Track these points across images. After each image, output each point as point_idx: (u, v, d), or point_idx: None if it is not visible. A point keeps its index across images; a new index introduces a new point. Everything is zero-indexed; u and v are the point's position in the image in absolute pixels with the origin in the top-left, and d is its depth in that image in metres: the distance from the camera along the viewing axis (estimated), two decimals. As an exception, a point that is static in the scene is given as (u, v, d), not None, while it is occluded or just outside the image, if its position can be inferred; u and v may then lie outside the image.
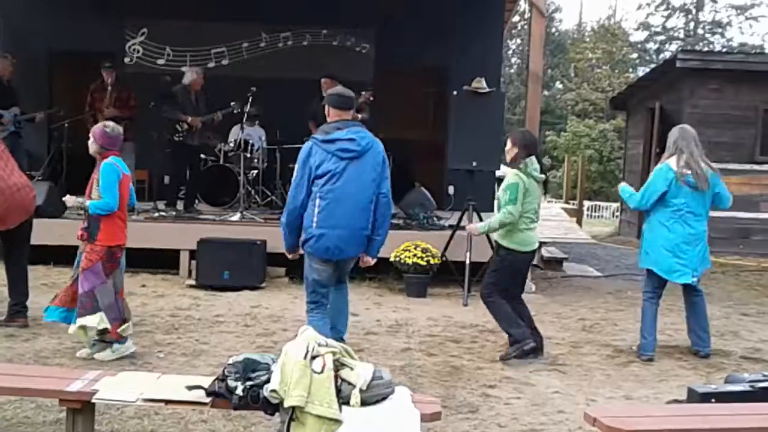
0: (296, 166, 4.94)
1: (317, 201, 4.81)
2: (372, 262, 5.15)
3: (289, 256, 5.24)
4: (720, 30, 46.30)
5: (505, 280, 5.62)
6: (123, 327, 5.24)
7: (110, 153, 5.34)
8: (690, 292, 5.93)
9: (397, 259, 7.88)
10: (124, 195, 5.35)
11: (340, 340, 5.36)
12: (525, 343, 5.42)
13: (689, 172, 5.64)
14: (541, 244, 9.58)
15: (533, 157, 5.51)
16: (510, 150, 5.57)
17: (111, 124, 5.48)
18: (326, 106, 5.03)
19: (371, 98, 9.25)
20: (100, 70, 9.54)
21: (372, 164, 4.88)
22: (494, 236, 5.92)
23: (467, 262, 7.72)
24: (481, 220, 8.02)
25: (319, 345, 3.27)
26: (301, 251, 5.08)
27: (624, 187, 6.15)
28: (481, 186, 9.70)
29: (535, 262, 8.58)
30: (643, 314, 5.89)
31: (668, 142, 5.87)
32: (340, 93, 5.08)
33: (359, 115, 8.94)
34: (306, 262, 5.04)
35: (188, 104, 9.38)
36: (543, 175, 5.59)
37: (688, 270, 5.71)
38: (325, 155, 4.82)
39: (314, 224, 4.82)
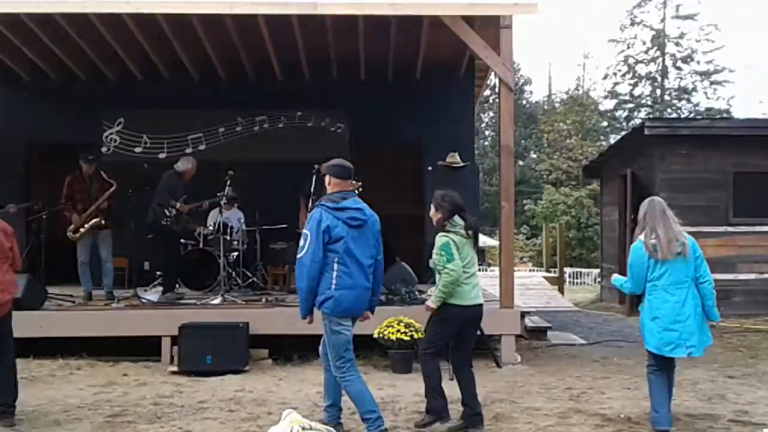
0: (306, 232, 5.19)
1: (335, 265, 5.13)
2: (371, 316, 5.53)
3: (306, 321, 5.36)
4: (686, 96, 47.49)
5: (440, 335, 5.59)
6: None
7: None
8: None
9: (381, 335, 7.84)
10: None
11: (338, 421, 5.38)
12: (440, 417, 5.54)
13: (655, 242, 5.55)
14: (524, 313, 9.60)
15: (456, 217, 5.59)
16: (434, 215, 5.68)
17: None
18: (327, 176, 5.40)
19: (360, 188, 9.35)
20: (79, 161, 9.54)
21: (372, 232, 5.32)
22: None
23: (451, 335, 7.69)
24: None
25: (303, 429, 3.24)
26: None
27: (616, 278, 6.08)
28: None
29: (518, 332, 8.63)
30: (650, 389, 5.68)
31: (639, 216, 5.86)
32: (341, 164, 5.44)
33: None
34: (326, 329, 5.24)
35: (178, 191, 9.46)
36: (471, 230, 5.61)
37: (681, 342, 5.48)
38: (335, 222, 5.16)
39: (333, 286, 5.13)
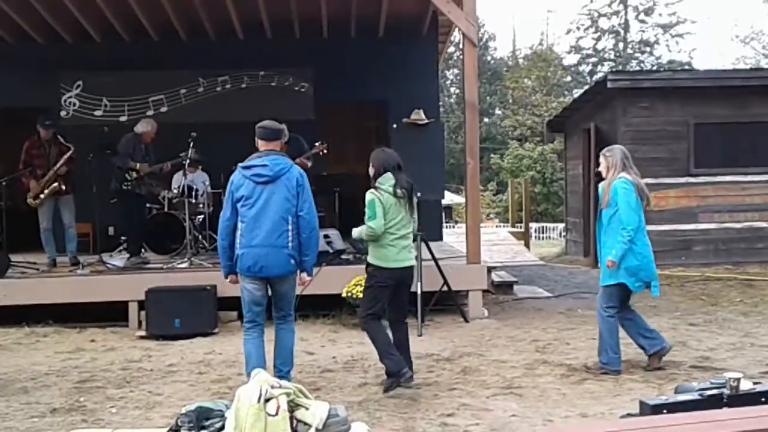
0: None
1: (239, 224, 5.26)
2: (308, 279, 5.44)
3: (228, 281, 5.53)
4: (648, 49, 47.75)
5: (374, 298, 5.57)
6: None
7: None
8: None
9: (349, 294, 7.88)
10: None
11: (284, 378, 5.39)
12: (401, 374, 5.37)
13: (643, 186, 5.93)
14: (491, 268, 9.70)
15: (388, 174, 5.56)
16: (370, 171, 5.68)
17: None
18: (255, 139, 5.47)
19: (325, 151, 9.30)
20: (37, 126, 9.34)
21: (287, 187, 5.24)
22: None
23: (418, 292, 7.74)
24: (430, 250, 8.12)
25: (272, 387, 3.25)
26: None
27: (618, 252, 5.88)
28: (428, 216, 9.78)
29: (485, 287, 8.74)
30: (610, 331, 5.97)
31: (613, 159, 5.97)
32: (265, 126, 5.51)
33: (308, 163, 9.05)
34: (240, 284, 5.37)
35: (138, 153, 9.33)
36: (401, 190, 5.53)
37: (655, 280, 6.01)
38: (243, 180, 5.28)
39: (238, 245, 5.26)
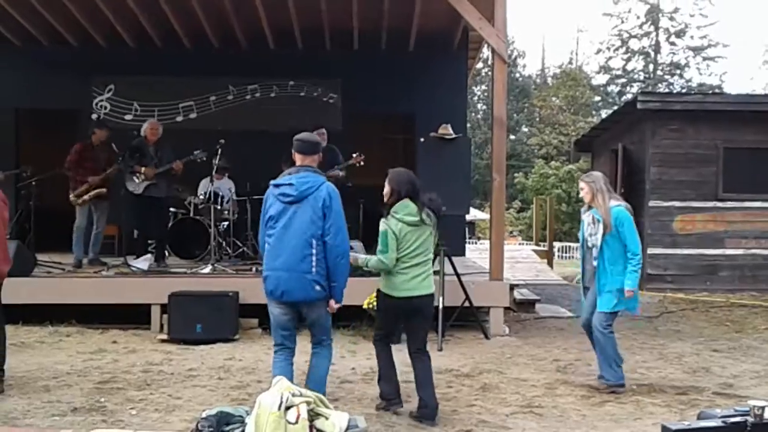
0: None
1: (266, 245, 4.94)
2: (335, 306, 4.96)
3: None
4: (678, 71, 47.50)
5: (384, 325, 5.41)
6: None
7: None
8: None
9: (370, 306, 7.85)
10: None
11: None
12: (391, 403, 5.31)
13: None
14: (513, 286, 9.65)
15: (406, 200, 5.21)
16: (387, 194, 5.31)
17: None
18: (292, 151, 5.12)
19: (362, 162, 9.33)
20: (95, 128, 9.70)
21: (312, 208, 4.81)
22: None
23: (440, 306, 7.72)
24: (453, 265, 8.09)
25: (293, 395, 3.26)
26: None
27: (634, 281, 5.93)
28: (452, 230, 9.77)
29: (507, 304, 8.69)
30: (613, 348, 6.06)
31: (597, 185, 6.01)
32: (302, 138, 5.11)
33: (340, 173, 9.09)
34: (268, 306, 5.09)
35: (147, 156, 9.43)
36: (426, 215, 5.22)
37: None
38: (272, 199, 4.95)
39: (263, 266, 4.96)
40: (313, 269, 4.78)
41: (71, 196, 9.44)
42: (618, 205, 5.98)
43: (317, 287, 4.80)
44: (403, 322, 5.39)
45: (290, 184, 4.87)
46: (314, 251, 4.78)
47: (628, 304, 6.02)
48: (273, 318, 4.99)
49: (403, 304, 5.21)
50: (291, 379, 4.89)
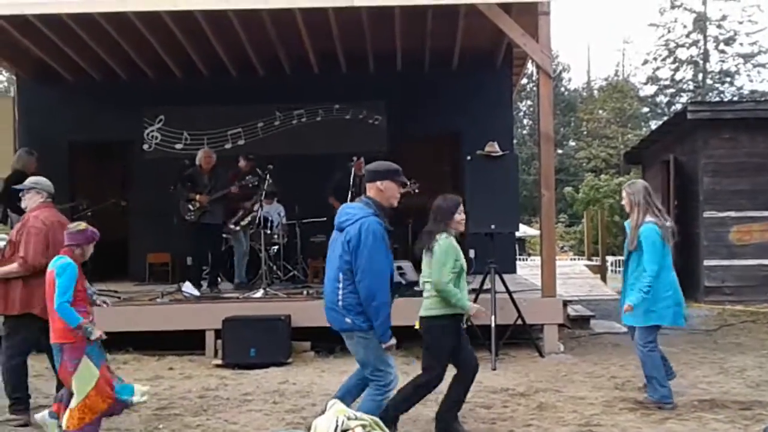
0: None
1: None
2: (384, 345, 4.82)
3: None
4: (729, 79, 46.65)
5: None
6: None
7: None
8: None
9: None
10: None
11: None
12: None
13: (670, 225, 5.90)
14: (566, 302, 9.52)
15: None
16: (432, 219, 5.54)
17: None
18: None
19: (417, 190, 9.27)
20: (243, 159, 10.41)
21: (342, 242, 4.72)
22: None
23: (492, 325, 7.65)
24: (504, 282, 8.01)
25: (348, 418, 3.26)
26: None
27: (637, 299, 5.82)
28: (502, 248, 9.69)
29: (561, 321, 8.56)
30: (656, 365, 5.96)
31: (636, 198, 5.91)
32: (368, 168, 5.10)
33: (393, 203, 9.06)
34: None
35: (200, 184, 9.60)
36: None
37: (685, 313, 6.07)
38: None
39: None
40: (340, 302, 4.71)
41: (230, 224, 10.07)
42: (650, 222, 5.84)
43: (346, 320, 4.70)
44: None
45: (338, 214, 4.89)
46: (340, 285, 4.71)
47: (662, 319, 5.86)
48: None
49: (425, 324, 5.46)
50: (356, 393, 4.93)
